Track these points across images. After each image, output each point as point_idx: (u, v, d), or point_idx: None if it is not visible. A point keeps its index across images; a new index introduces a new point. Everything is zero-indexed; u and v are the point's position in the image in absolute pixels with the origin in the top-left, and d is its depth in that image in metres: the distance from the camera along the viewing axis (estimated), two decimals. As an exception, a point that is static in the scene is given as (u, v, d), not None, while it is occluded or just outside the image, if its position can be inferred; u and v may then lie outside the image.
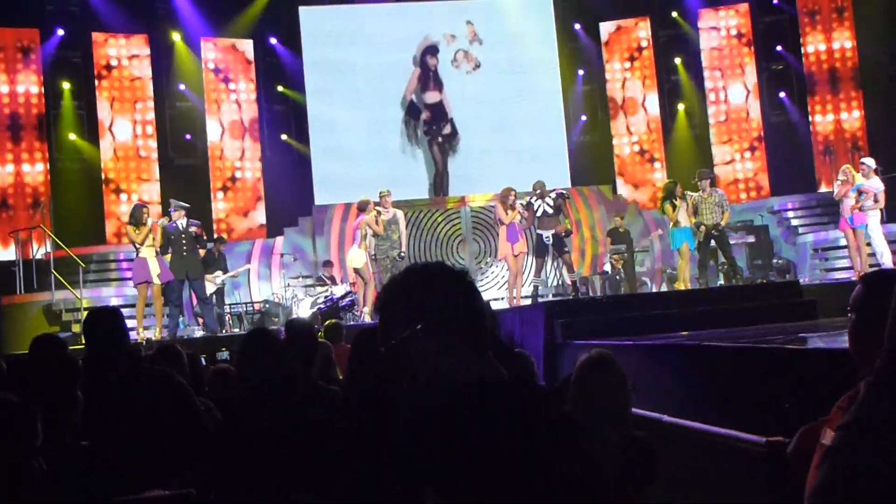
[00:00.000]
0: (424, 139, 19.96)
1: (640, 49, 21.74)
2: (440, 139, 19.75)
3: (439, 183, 19.64)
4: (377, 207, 14.36)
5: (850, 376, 2.61)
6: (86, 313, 4.75)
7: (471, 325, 2.06)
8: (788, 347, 5.63)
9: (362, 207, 14.38)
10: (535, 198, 14.08)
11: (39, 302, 14.73)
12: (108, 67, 19.08)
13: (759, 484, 4.33)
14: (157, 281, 12.86)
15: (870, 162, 13.74)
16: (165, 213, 13.91)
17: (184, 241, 13.06)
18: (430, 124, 19.87)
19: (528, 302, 13.76)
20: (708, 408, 5.44)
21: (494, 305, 12.28)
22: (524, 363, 4.83)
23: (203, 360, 7.24)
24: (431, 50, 20.26)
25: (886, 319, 2.16)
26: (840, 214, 14.00)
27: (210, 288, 14.59)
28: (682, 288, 13.72)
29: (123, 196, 18.76)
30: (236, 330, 14.92)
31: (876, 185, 13.40)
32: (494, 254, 17.78)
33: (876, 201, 13.36)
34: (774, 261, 17.15)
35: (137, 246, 12.87)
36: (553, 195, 14.13)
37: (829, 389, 2.74)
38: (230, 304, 16.30)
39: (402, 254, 14.25)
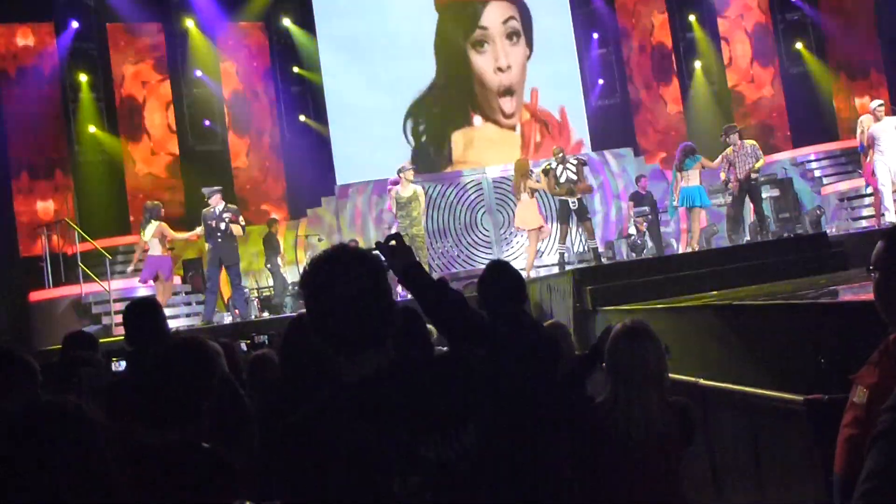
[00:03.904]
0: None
1: (653, 8, 21.55)
2: None
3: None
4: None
5: (886, 328, 2.60)
6: (126, 305, 4.70)
7: (367, 317, 2.07)
8: (821, 302, 5.60)
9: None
10: (556, 163, 14.01)
11: (69, 296, 14.82)
12: (125, 57, 19.11)
13: (800, 442, 4.33)
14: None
15: (873, 104, 13.53)
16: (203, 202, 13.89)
17: (217, 228, 13.11)
18: None
19: (556, 269, 13.75)
20: (743, 368, 5.42)
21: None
22: (558, 333, 4.81)
23: (244, 345, 7.26)
24: None
25: None
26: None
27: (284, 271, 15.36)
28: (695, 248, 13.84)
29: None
30: (266, 314, 14.96)
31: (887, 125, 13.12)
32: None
33: None
34: (814, 208, 17.09)
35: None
36: (573, 160, 14.07)
37: (865, 342, 2.72)
38: (259, 289, 16.35)
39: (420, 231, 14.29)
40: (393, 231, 14.18)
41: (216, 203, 13.24)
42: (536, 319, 4.74)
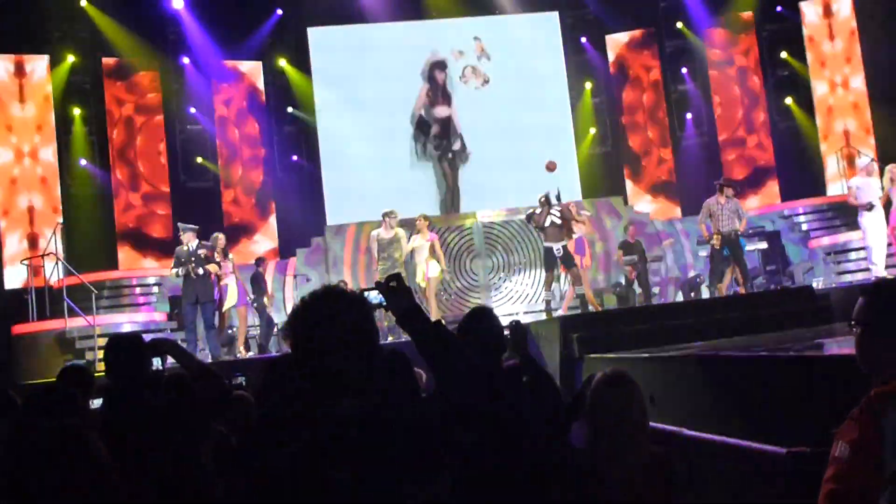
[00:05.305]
0: (434, 155, 20.09)
1: (646, 60, 21.73)
2: (450, 155, 19.93)
3: (450, 199, 19.73)
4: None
5: (869, 382, 2.61)
6: (107, 340, 4.62)
7: (352, 358, 2.07)
8: (806, 355, 5.61)
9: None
10: (540, 208, 13.94)
11: (52, 330, 14.68)
12: (119, 92, 19.16)
13: (783, 495, 4.30)
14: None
15: (862, 161, 13.58)
16: (175, 237, 13.91)
17: (193, 264, 13.04)
18: (440, 139, 20.04)
19: (543, 317, 13.71)
20: (727, 419, 5.41)
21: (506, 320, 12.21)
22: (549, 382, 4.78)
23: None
24: (439, 65, 20.49)
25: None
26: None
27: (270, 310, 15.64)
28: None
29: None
30: (251, 353, 14.83)
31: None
32: (509, 269, 17.85)
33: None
34: (798, 262, 17.25)
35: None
36: (559, 206, 14.00)
37: (848, 396, 2.72)
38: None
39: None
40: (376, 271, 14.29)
41: (189, 240, 13.21)
42: (537, 366, 4.67)
